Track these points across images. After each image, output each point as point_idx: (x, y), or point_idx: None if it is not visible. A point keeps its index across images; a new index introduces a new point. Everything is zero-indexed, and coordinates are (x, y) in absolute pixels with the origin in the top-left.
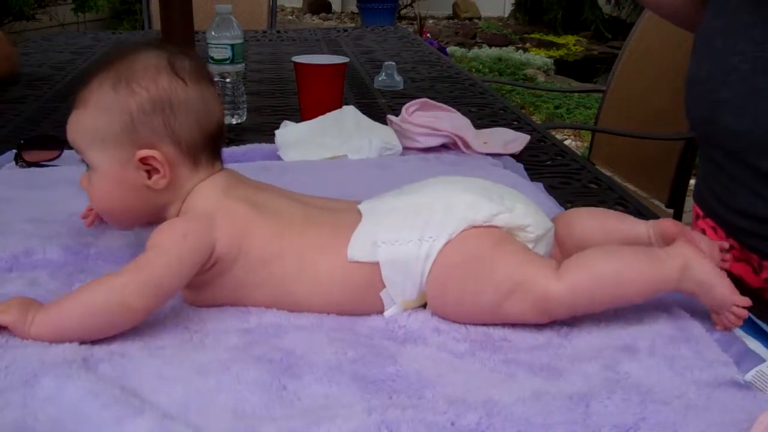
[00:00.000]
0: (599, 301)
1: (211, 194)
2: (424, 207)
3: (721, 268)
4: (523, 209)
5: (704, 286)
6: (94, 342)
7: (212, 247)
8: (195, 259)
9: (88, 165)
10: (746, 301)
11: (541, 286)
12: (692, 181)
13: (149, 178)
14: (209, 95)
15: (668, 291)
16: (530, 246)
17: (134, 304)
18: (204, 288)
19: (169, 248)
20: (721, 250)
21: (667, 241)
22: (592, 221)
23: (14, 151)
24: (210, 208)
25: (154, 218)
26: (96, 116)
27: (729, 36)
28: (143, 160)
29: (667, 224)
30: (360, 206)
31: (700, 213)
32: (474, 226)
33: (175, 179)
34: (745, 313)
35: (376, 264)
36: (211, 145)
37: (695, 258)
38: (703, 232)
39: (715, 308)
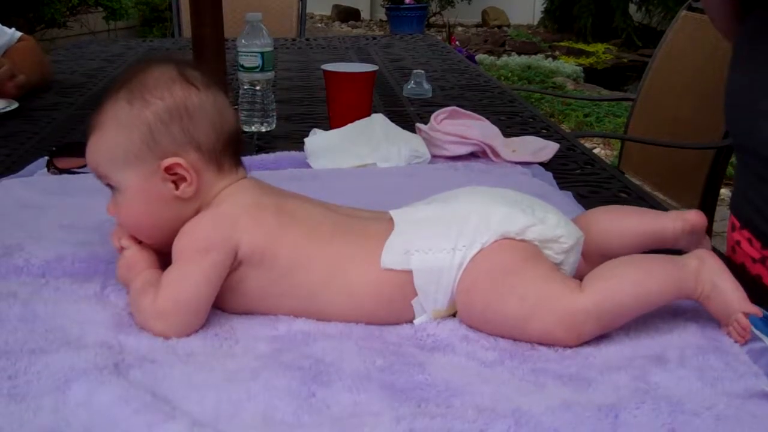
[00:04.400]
0: (624, 306)
1: (238, 199)
2: (458, 217)
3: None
4: (554, 220)
5: (717, 290)
6: (124, 347)
7: (236, 250)
8: (222, 271)
9: (113, 188)
10: (755, 310)
11: (567, 302)
12: (723, 191)
13: (177, 188)
14: (221, 101)
15: (686, 296)
16: (562, 257)
17: (160, 331)
18: (230, 293)
19: (195, 268)
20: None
21: (694, 232)
22: (611, 221)
23: (46, 157)
24: (236, 212)
25: None
26: (115, 135)
27: None
28: (168, 170)
29: (692, 216)
30: (392, 213)
31: (737, 224)
32: (507, 238)
33: (202, 186)
34: (748, 325)
35: (408, 272)
36: (231, 150)
37: (711, 260)
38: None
39: (725, 316)
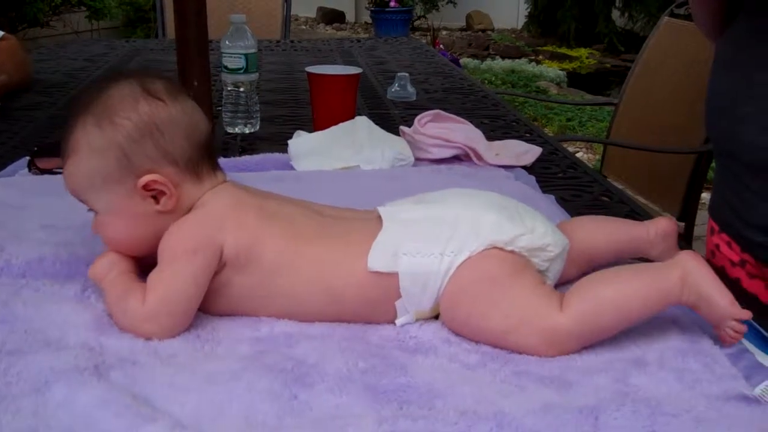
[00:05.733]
0: (606, 326)
1: (221, 201)
2: (448, 221)
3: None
4: (542, 229)
5: (704, 298)
6: (105, 348)
7: (221, 250)
8: (209, 272)
9: (95, 210)
10: (745, 314)
11: (548, 322)
12: (704, 195)
13: (157, 203)
14: (189, 108)
15: (673, 304)
16: (548, 264)
17: (149, 332)
18: (215, 295)
19: (183, 268)
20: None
21: (666, 238)
22: (593, 228)
23: (27, 158)
24: (220, 212)
25: None
26: (89, 161)
27: (754, 50)
28: (147, 187)
29: (664, 223)
30: (381, 211)
31: (716, 228)
32: (496, 247)
33: (182, 196)
34: (744, 328)
35: (394, 275)
36: (206, 156)
37: (695, 267)
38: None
39: (715, 322)
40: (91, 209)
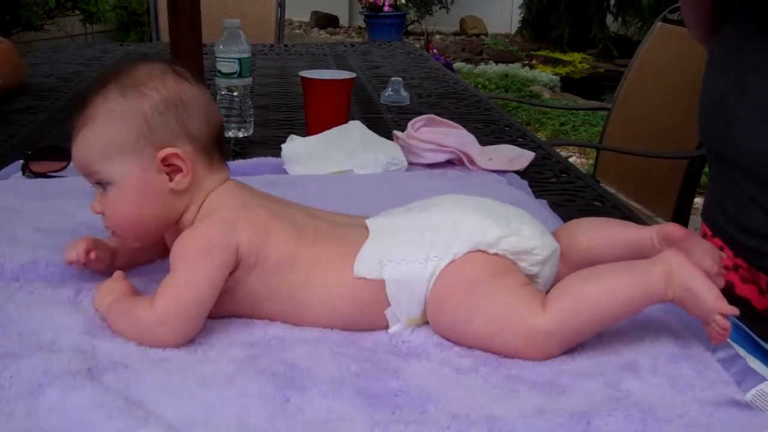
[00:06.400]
0: (588, 324)
1: (229, 200)
2: (432, 227)
3: (721, 277)
4: (529, 231)
5: (690, 293)
6: (98, 352)
7: (237, 249)
8: (224, 273)
9: (102, 185)
10: (732, 310)
11: (530, 323)
12: (697, 200)
13: (171, 180)
14: (209, 96)
15: (658, 301)
16: (537, 269)
17: (162, 338)
18: (225, 295)
19: (197, 269)
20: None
21: (671, 245)
22: (595, 231)
23: (21, 161)
24: (230, 213)
25: (172, 227)
26: (109, 127)
27: (745, 53)
28: (165, 161)
29: (671, 228)
30: (368, 222)
31: (708, 232)
32: (479, 250)
33: (195, 179)
34: (728, 325)
35: (382, 282)
36: (219, 145)
37: (680, 264)
38: None
39: (702, 317)
40: (96, 183)
